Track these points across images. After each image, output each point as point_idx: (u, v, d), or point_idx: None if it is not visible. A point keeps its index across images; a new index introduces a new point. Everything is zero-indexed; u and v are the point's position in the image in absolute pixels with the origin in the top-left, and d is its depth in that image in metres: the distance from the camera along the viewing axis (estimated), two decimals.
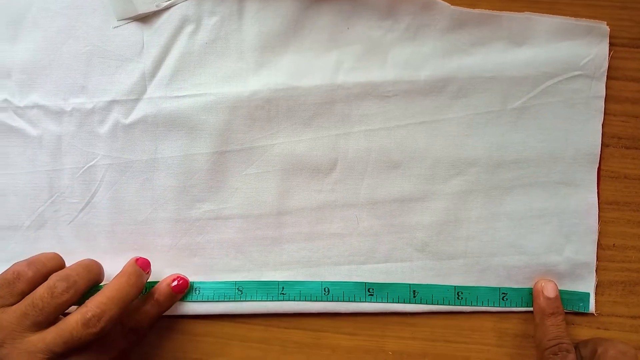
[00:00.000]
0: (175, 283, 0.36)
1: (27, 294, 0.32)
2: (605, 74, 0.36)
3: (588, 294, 0.37)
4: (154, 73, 0.37)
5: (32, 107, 0.38)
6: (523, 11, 0.36)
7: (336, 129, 0.37)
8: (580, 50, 0.36)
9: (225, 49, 0.37)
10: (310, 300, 0.37)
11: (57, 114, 0.38)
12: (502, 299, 0.37)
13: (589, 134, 0.37)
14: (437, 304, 0.37)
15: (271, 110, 0.37)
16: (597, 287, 0.37)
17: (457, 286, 0.37)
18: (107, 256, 0.37)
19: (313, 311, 0.37)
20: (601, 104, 0.37)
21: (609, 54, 0.36)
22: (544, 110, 0.37)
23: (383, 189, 0.37)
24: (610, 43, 0.36)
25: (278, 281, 0.37)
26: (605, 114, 0.37)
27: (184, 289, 0.37)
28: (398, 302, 0.37)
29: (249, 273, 0.38)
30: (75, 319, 0.31)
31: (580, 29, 0.36)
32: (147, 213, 0.38)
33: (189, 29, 0.37)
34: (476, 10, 0.36)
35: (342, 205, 0.37)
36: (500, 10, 0.36)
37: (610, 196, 0.37)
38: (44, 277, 0.33)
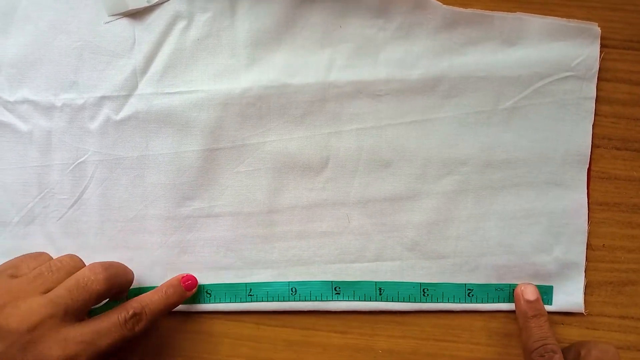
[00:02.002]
0: (186, 282, 0.37)
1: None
2: (596, 75, 0.36)
3: (551, 287, 0.37)
4: (145, 69, 0.37)
5: (23, 102, 0.37)
6: (515, 11, 0.36)
7: (328, 128, 0.37)
8: (571, 51, 0.36)
9: (217, 46, 0.37)
10: (277, 301, 0.37)
11: (48, 109, 0.37)
12: (468, 295, 0.37)
13: (580, 135, 0.37)
14: (403, 302, 0.37)
15: (263, 107, 0.37)
16: (586, 287, 0.37)
17: (423, 283, 0.37)
18: (96, 253, 0.37)
19: (280, 309, 0.37)
20: (592, 105, 0.37)
21: (600, 56, 0.36)
22: (535, 110, 0.37)
23: (374, 188, 0.37)
24: (601, 44, 0.36)
25: (245, 283, 0.37)
26: (595, 115, 0.37)
27: (192, 288, 0.37)
28: (364, 300, 0.37)
29: (239, 271, 0.38)
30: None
31: (571, 30, 0.36)
32: (137, 210, 0.37)
33: (180, 25, 0.36)
34: (468, 10, 0.36)
35: (333, 204, 0.37)
36: (493, 10, 0.36)
37: (600, 197, 0.38)
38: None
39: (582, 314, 0.37)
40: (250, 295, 0.37)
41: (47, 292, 0.31)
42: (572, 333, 0.37)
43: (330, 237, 0.38)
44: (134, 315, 0.33)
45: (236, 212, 0.37)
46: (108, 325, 0.32)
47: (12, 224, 0.38)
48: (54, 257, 0.35)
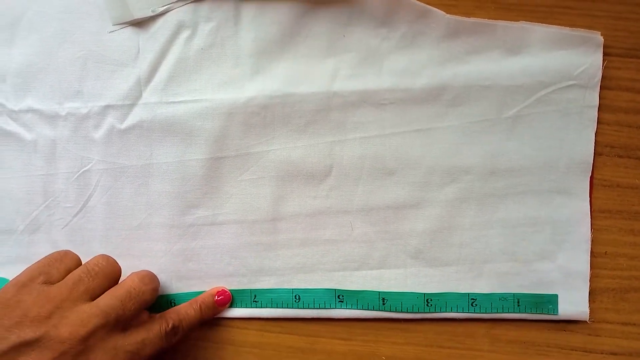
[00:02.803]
0: (219, 297, 0.37)
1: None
2: (599, 83, 0.36)
3: (556, 296, 0.37)
4: (149, 78, 0.37)
5: (27, 111, 0.38)
6: (518, 20, 0.37)
7: (332, 136, 0.37)
8: (574, 60, 0.36)
9: (222, 55, 0.37)
10: (281, 307, 0.37)
11: (52, 118, 0.37)
12: (472, 305, 0.37)
13: (583, 143, 0.37)
14: (406, 312, 0.37)
15: (267, 116, 0.37)
16: (589, 294, 0.37)
17: (427, 293, 0.37)
18: None
19: (284, 316, 0.38)
20: (594, 113, 0.37)
21: (603, 64, 0.36)
22: (538, 119, 0.37)
23: (377, 196, 0.37)
24: (604, 53, 0.36)
25: (250, 289, 0.38)
26: (598, 123, 0.37)
27: (226, 303, 0.37)
28: (367, 310, 0.37)
29: (243, 278, 0.38)
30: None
31: (574, 38, 0.36)
32: (141, 218, 0.38)
33: (185, 34, 0.37)
34: (471, 19, 0.36)
35: (336, 212, 0.38)
36: (496, 19, 0.36)
37: (602, 204, 0.38)
38: None
39: (585, 321, 0.37)
40: (255, 301, 0.38)
41: (92, 299, 0.32)
42: (574, 340, 0.38)
43: (334, 244, 0.38)
44: (174, 327, 0.34)
45: (240, 220, 0.38)
46: (152, 336, 0.33)
47: (18, 232, 0.38)
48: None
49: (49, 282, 0.32)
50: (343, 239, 0.38)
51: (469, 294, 0.37)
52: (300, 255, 0.38)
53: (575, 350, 0.38)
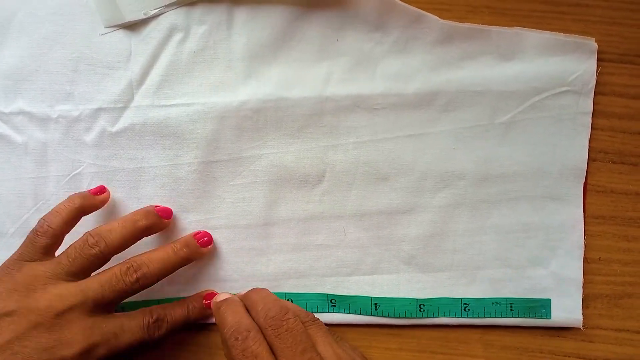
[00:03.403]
0: (208, 301, 0.37)
1: (51, 247, 0.33)
2: (593, 90, 0.36)
3: (549, 301, 0.37)
4: (141, 81, 0.37)
5: (18, 113, 0.37)
6: (512, 24, 0.36)
7: (324, 141, 0.37)
8: (568, 66, 0.36)
9: (214, 59, 0.37)
10: None
11: (43, 120, 0.37)
12: (464, 310, 0.37)
13: (576, 150, 0.37)
14: (399, 317, 0.37)
15: (259, 120, 0.37)
16: (582, 300, 0.37)
17: (419, 299, 0.37)
18: None
19: None
20: (588, 119, 0.37)
21: (597, 71, 0.36)
22: (531, 125, 0.37)
23: (370, 201, 0.37)
24: (598, 58, 0.36)
25: None
26: (592, 128, 0.37)
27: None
28: (360, 314, 0.37)
29: (235, 283, 0.37)
30: (114, 268, 0.33)
31: (568, 45, 0.36)
32: None
33: (177, 37, 0.36)
34: (465, 25, 0.36)
35: (329, 217, 0.37)
36: (490, 24, 0.36)
37: (596, 210, 0.38)
38: (71, 222, 0.34)
39: (578, 328, 0.37)
40: None
41: (78, 279, 0.32)
42: (567, 346, 0.37)
43: (327, 250, 0.37)
44: (157, 320, 0.34)
45: (232, 225, 0.37)
46: (132, 324, 0.33)
47: (8, 235, 0.38)
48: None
49: (39, 260, 0.33)
50: (336, 244, 0.37)
51: (461, 299, 0.37)
52: (292, 261, 0.37)
53: (569, 357, 0.37)
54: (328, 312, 0.37)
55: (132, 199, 0.37)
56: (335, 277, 0.38)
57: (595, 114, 0.37)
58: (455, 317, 0.37)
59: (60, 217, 0.34)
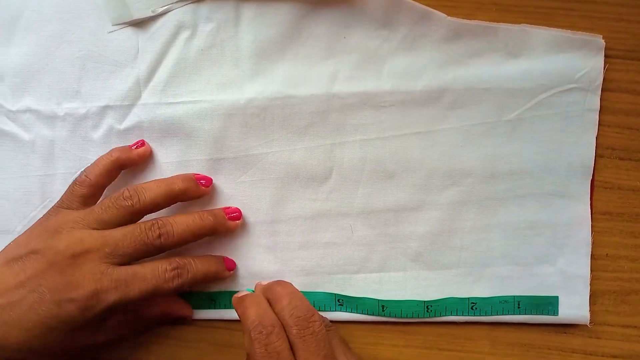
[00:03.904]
0: (229, 260, 0.37)
1: (89, 197, 0.34)
2: (600, 87, 0.36)
3: (557, 298, 0.37)
4: (148, 79, 0.37)
5: (25, 111, 0.37)
6: (520, 22, 0.36)
7: (331, 138, 0.37)
8: (575, 63, 0.36)
9: (221, 56, 0.37)
10: None
11: (50, 118, 0.37)
12: (472, 309, 0.37)
13: (583, 147, 0.37)
14: (406, 317, 0.37)
15: (266, 118, 0.37)
16: (589, 296, 0.37)
17: (427, 300, 0.37)
18: None
19: None
20: (595, 117, 0.37)
21: (604, 67, 0.36)
22: (538, 122, 0.37)
23: (377, 199, 0.37)
24: (605, 55, 0.36)
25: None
26: (599, 125, 0.37)
27: (233, 266, 0.37)
28: (367, 314, 0.37)
29: (242, 280, 0.38)
30: (140, 223, 0.33)
31: (576, 42, 0.36)
32: None
33: (184, 35, 0.36)
34: (473, 22, 0.36)
35: (336, 215, 0.37)
36: (497, 21, 0.36)
37: (603, 206, 0.38)
38: (109, 175, 0.35)
39: (585, 324, 0.37)
40: None
41: (104, 228, 0.33)
42: (575, 342, 0.37)
43: (334, 247, 0.37)
44: (176, 268, 0.33)
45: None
46: (145, 271, 0.32)
47: (15, 233, 0.38)
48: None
49: (76, 209, 0.34)
50: (343, 242, 0.37)
51: (469, 298, 0.37)
52: (299, 258, 0.37)
53: (576, 353, 0.37)
54: (335, 310, 0.37)
55: None
56: (342, 274, 0.38)
57: (602, 111, 0.37)
58: (463, 315, 0.37)
59: (98, 168, 0.35)
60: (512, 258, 0.37)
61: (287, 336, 0.30)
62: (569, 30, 0.36)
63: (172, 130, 0.37)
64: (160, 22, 0.36)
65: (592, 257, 0.37)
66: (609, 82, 0.37)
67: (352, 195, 0.37)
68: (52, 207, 0.35)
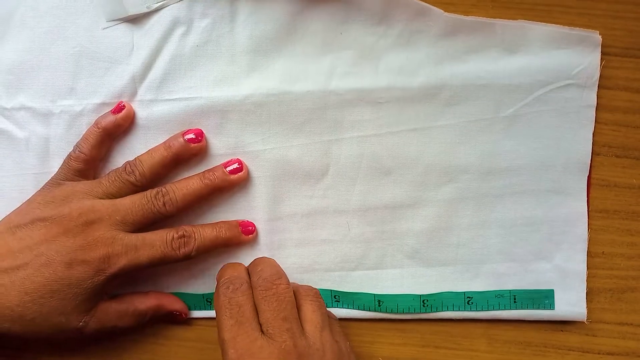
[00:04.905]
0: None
1: (86, 171, 0.36)
2: (597, 83, 0.36)
3: (552, 291, 0.37)
4: (144, 75, 0.37)
5: (19, 108, 0.37)
6: (517, 18, 0.36)
7: (328, 135, 0.37)
8: (572, 59, 0.36)
9: (217, 52, 0.36)
10: None
11: (45, 116, 0.37)
12: (467, 303, 0.37)
13: (580, 143, 0.37)
14: (402, 313, 0.37)
15: (263, 115, 0.36)
16: (586, 294, 0.37)
17: (422, 295, 0.37)
18: None
19: None
20: (592, 113, 0.37)
21: (601, 64, 0.36)
22: (535, 118, 0.37)
23: (374, 196, 0.37)
24: (602, 52, 0.36)
25: None
26: (596, 122, 0.37)
27: (249, 233, 0.37)
28: (364, 310, 0.37)
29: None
30: (147, 192, 0.35)
31: (573, 37, 0.36)
32: None
33: (179, 31, 0.36)
34: (470, 18, 0.36)
35: (333, 212, 0.37)
36: (494, 17, 0.36)
37: (600, 204, 0.38)
38: (100, 146, 0.36)
39: (581, 320, 0.37)
40: None
41: (115, 197, 0.34)
42: (571, 340, 0.37)
43: (331, 244, 0.37)
44: (183, 236, 0.34)
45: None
46: (154, 238, 0.34)
47: None
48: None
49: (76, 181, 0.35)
50: (340, 239, 0.37)
51: (464, 292, 0.37)
52: (296, 256, 0.37)
53: (573, 351, 0.38)
54: (332, 307, 0.37)
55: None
56: (339, 272, 0.37)
57: (599, 108, 0.37)
58: (459, 310, 0.37)
59: (89, 142, 0.35)
60: (509, 254, 0.37)
61: (254, 298, 0.31)
62: (566, 27, 0.36)
63: (167, 126, 0.37)
64: (155, 18, 0.36)
65: (589, 254, 0.37)
66: (606, 79, 0.37)
67: (348, 192, 0.37)
68: (49, 181, 0.35)
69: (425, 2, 0.36)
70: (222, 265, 0.35)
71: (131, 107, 0.37)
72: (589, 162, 0.37)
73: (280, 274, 0.33)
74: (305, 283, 0.37)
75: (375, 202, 0.37)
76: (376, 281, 0.37)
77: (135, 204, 0.34)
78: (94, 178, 0.36)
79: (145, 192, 0.35)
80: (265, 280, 0.32)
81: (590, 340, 0.37)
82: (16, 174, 0.38)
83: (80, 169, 0.35)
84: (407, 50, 0.36)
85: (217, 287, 0.33)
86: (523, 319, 0.37)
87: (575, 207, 0.37)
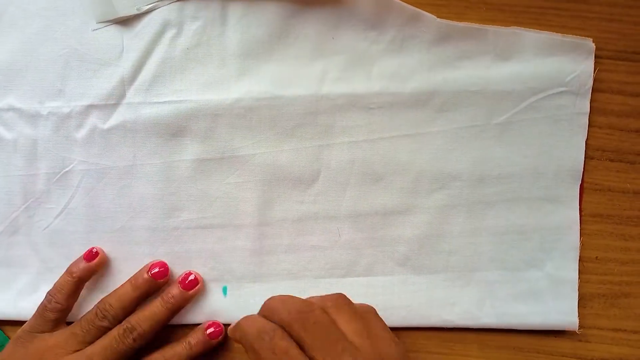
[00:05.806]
0: (210, 330, 0.36)
1: (61, 319, 0.36)
2: (590, 90, 0.36)
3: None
4: (133, 78, 0.36)
5: (7, 109, 0.37)
6: (510, 21, 0.36)
7: (319, 140, 0.37)
8: (565, 66, 0.36)
9: (207, 55, 0.36)
10: None
11: (33, 117, 0.37)
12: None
13: (573, 150, 0.36)
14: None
15: (253, 119, 0.36)
16: (579, 299, 0.37)
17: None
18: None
19: None
20: (585, 120, 0.36)
21: (595, 69, 0.36)
22: (528, 125, 0.36)
23: (365, 202, 0.37)
24: (596, 55, 0.36)
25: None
26: (590, 126, 0.37)
27: (218, 335, 0.36)
28: None
29: (228, 284, 0.37)
30: (113, 332, 0.35)
31: (566, 45, 0.36)
32: (124, 221, 0.37)
33: (170, 33, 0.36)
34: (462, 24, 0.36)
35: (323, 218, 0.37)
36: (488, 20, 0.36)
37: (593, 209, 0.37)
38: (75, 294, 0.36)
39: (573, 329, 0.37)
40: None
41: (86, 345, 0.35)
42: (564, 346, 0.37)
43: (321, 251, 0.37)
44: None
45: (225, 224, 0.37)
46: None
47: None
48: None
49: (50, 332, 0.35)
50: (330, 246, 0.37)
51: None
52: (286, 262, 0.37)
53: (565, 357, 0.37)
54: None
55: (123, 198, 0.37)
56: (329, 278, 0.37)
57: (592, 112, 0.37)
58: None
59: (64, 292, 0.35)
60: (501, 262, 0.37)
61: (293, 335, 0.29)
62: (559, 34, 0.36)
63: (157, 130, 0.36)
64: (146, 20, 0.36)
65: (582, 260, 0.37)
66: (599, 82, 0.37)
67: (339, 198, 0.37)
68: (22, 331, 0.35)
69: (420, 3, 0.35)
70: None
71: (104, 253, 0.37)
72: (582, 169, 0.37)
73: (306, 302, 0.30)
74: (295, 290, 0.37)
75: (366, 208, 0.37)
76: (367, 288, 0.37)
77: (107, 350, 0.34)
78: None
79: (112, 333, 0.35)
80: (299, 312, 0.29)
81: (583, 346, 0.37)
82: (3, 176, 0.37)
83: (55, 318, 0.35)
84: (399, 56, 0.36)
85: (251, 348, 0.29)
86: (514, 328, 0.37)
87: (568, 215, 0.37)
